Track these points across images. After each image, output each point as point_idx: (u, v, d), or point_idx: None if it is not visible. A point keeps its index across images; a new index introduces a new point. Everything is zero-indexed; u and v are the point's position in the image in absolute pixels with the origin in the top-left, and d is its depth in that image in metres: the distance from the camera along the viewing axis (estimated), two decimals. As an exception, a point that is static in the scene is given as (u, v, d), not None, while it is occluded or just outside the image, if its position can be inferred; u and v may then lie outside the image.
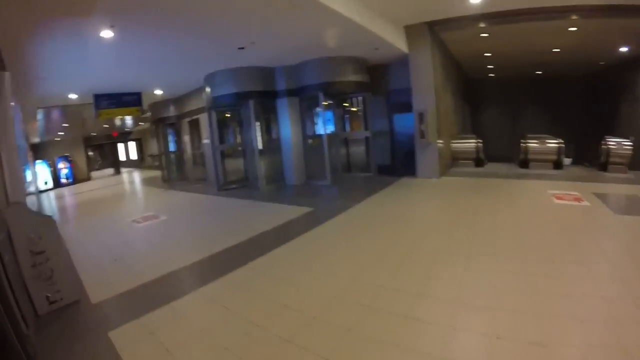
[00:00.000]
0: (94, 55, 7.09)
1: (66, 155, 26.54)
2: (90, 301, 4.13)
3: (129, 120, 22.34)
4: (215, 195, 10.56)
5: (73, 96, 10.69)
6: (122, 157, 39.91)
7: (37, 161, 24.72)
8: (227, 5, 5.53)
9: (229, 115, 12.27)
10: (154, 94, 12.70)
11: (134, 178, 23.73)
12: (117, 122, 21.66)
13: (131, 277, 4.74)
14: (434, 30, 9.56)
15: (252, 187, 11.04)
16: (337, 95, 11.13)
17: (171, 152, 15.69)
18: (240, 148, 12.02)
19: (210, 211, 8.74)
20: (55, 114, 13.93)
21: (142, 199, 12.68)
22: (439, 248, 4.70)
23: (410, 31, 9.59)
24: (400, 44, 9.31)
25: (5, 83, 4.80)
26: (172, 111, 14.46)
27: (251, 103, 10.25)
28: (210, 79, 10.63)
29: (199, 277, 4.63)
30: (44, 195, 22.99)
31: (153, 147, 28.33)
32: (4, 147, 4.47)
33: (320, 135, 10.72)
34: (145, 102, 13.55)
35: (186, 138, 14.05)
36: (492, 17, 8.68)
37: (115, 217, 9.67)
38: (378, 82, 11.27)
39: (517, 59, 13.23)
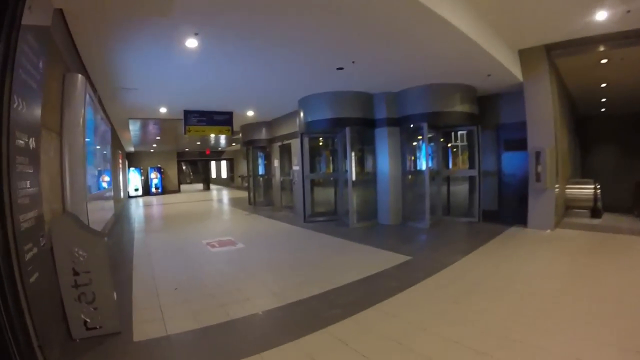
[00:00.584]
0: (180, 68, 6.89)
1: (158, 167, 28.09)
2: (133, 337, 3.60)
3: (222, 139, 23.03)
4: (301, 227, 10.00)
5: (163, 110, 10.91)
6: (213, 174, 41.64)
7: (131, 168, 26.50)
8: (332, 13, 4.83)
9: (321, 143, 11.81)
10: (246, 116, 12.66)
11: (221, 196, 24.19)
12: (211, 140, 22.29)
13: (190, 314, 4.17)
14: (550, 55, 8.30)
15: (340, 223, 10.34)
16: (443, 127, 10.16)
17: (260, 175, 15.62)
18: (331, 178, 11.44)
19: (292, 245, 8.10)
20: (149, 126, 14.42)
21: (223, 220, 12.61)
22: (577, 331, 3.26)
23: (526, 55, 8.42)
24: (515, 69, 8.17)
25: (78, 86, 4.52)
26: (263, 134, 14.36)
27: (347, 130, 9.64)
28: (304, 103, 10.25)
29: (265, 330, 3.76)
30: (132, 200, 24.36)
31: (243, 168, 29.07)
32: (70, 153, 4.29)
33: (421, 171, 9.81)
34: (237, 123, 13.58)
35: (276, 163, 13.82)
36: (618, 39, 7.27)
37: (191, 235, 9.56)
38: (487, 114, 10.16)
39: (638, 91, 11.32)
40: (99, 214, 6.32)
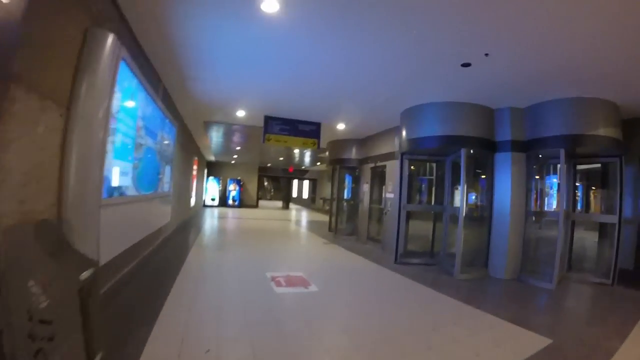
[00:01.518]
0: (254, 44, 5.36)
1: (238, 179, 27.60)
2: None
3: (306, 157, 21.83)
4: (390, 270, 8.15)
5: (241, 113, 9.76)
6: (294, 193, 40.85)
7: (210, 177, 26.17)
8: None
9: (420, 168, 9.99)
10: (336, 130, 11.17)
11: (299, 218, 22.88)
12: (295, 156, 21.12)
13: None
14: None
15: (440, 269, 8.38)
16: (580, 156, 8.01)
17: (345, 200, 13.87)
18: (432, 211, 9.49)
19: (382, 298, 6.24)
20: (228, 133, 13.38)
21: (297, 247, 11.08)
22: None
23: None
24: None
25: (107, 47, 3.08)
26: (353, 153, 12.79)
27: (463, 153, 7.73)
28: (409, 115, 8.57)
29: None
30: (206, 209, 23.74)
31: (327, 190, 27.75)
32: (82, 136, 3.16)
33: (551, 212, 7.64)
34: (325, 139, 12.12)
35: (365, 187, 12.11)
36: None
37: (256, 261, 8.25)
38: (632, 143, 7.77)
39: None
40: (132, 223, 4.97)
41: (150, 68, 6.25)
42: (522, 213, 7.89)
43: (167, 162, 7.74)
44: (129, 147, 4.77)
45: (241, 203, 27.87)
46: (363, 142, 12.50)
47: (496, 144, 8.10)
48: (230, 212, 23.30)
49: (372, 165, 11.60)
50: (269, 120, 9.58)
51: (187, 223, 13.65)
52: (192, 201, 15.91)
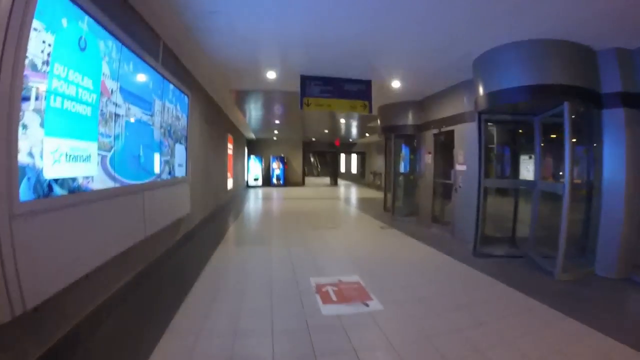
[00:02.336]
0: None
1: (281, 156, 26.11)
2: None
3: (353, 128, 19.98)
4: (470, 266, 6.32)
5: (271, 74, 7.95)
6: (342, 168, 39.14)
7: (251, 156, 24.87)
8: None
9: (499, 132, 7.98)
10: (389, 89, 9.17)
11: (349, 195, 21.16)
12: (341, 128, 19.29)
13: None
14: None
15: (530, 263, 6.46)
16: None
17: (401, 173, 11.95)
18: (518, 187, 7.54)
19: (470, 312, 4.40)
20: (262, 103, 11.77)
21: (348, 235, 9.20)
22: None
23: None
24: None
25: None
26: (410, 118, 10.82)
27: (567, 108, 5.69)
28: (484, 63, 6.53)
29: None
30: (248, 191, 22.48)
31: (377, 163, 25.88)
32: None
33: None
34: (375, 104, 10.28)
35: (428, 158, 10.10)
36: None
37: (297, 258, 6.61)
38: None
39: None
40: (105, 228, 3.45)
41: (132, 15, 4.62)
42: (640, 190, 5.84)
43: (178, 139, 6.17)
44: (89, 117, 3.17)
45: (286, 181, 26.49)
46: (422, 104, 10.50)
47: (602, 97, 6.02)
48: (274, 192, 21.91)
49: (436, 131, 9.61)
50: (306, 80, 7.77)
51: (222, 210, 12.22)
52: (229, 184, 14.52)
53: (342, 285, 5.07)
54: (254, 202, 16.04)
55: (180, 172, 6.30)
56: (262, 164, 25.71)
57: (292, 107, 12.25)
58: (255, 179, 25.51)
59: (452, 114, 8.78)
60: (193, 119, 7.66)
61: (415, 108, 10.71)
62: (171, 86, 5.71)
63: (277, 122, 16.35)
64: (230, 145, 14.56)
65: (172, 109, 5.83)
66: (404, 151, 11.88)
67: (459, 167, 8.41)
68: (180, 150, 6.27)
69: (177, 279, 5.38)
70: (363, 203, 16.58)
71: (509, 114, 7.09)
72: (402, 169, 11.97)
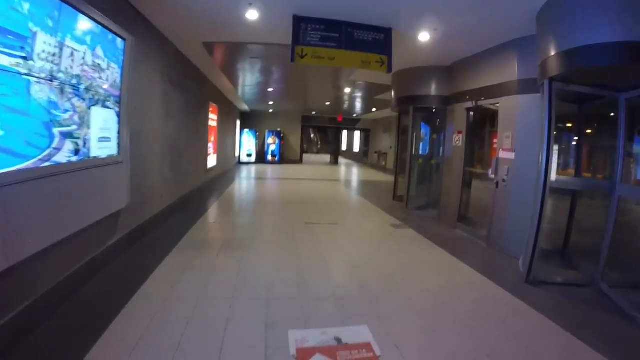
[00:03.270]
0: None
1: (278, 130, 23.99)
2: None
3: (358, 103, 17.86)
4: (523, 301, 4.28)
5: (252, 15, 5.66)
6: (344, 146, 37.03)
7: (245, 130, 22.88)
8: None
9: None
10: (414, 44, 6.93)
11: (351, 177, 19.06)
12: (344, 101, 17.08)
13: None
14: None
15: (602, 297, 4.39)
16: None
17: (420, 156, 9.82)
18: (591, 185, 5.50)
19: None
20: (248, 62, 9.66)
21: (352, 239, 7.03)
22: None
23: None
24: None
25: None
26: (434, 89, 8.68)
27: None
28: (559, 10, 4.41)
29: None
30: (238, 169, 20.46)
31: (382, 143, 23.71)
32: None
33: None
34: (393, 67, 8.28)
35: (457, 139, 7.97)
36: None
37: (276, 292, 4.25)
38: None
39: None
40: None
41: None
42: None
43: (100, 101, 4.06)
44: None
45: (282, 158, 24.34)
46: (451, 71, 8.31)
47: None
48: (268, 170, 19.83)
49: (470, 104, 7.44)
50: (301, 23, 5.53)
51: (195, 196, 10.03)
52: (211, 161, 12.40)
53: (341, 352, 3.04)
54: (240, 184, 13.91)
55: (105, 149, 4.21)
56: (256, 139, 23.53)
57: (287, 69, 10.14)
58: (249, 155, 23.35)
59: (497, 82, 6.63)
60: (140, 75, 5.54)
61: (441, 75, 8.52)
62: (80, 16, 3.59)
63: (270, 90, 14.05)
64: (213, 117, 12.40)
65: (84, 53, 3.71)
66: (424, 130, 9.74)
67: (505, 155, 6.31)
68: (104, 117, 4.16)
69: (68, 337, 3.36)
70: (368, 188, 14.49)
71: (590, 83, 4.97)
72: (421, 151, 9.86)
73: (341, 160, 31.07)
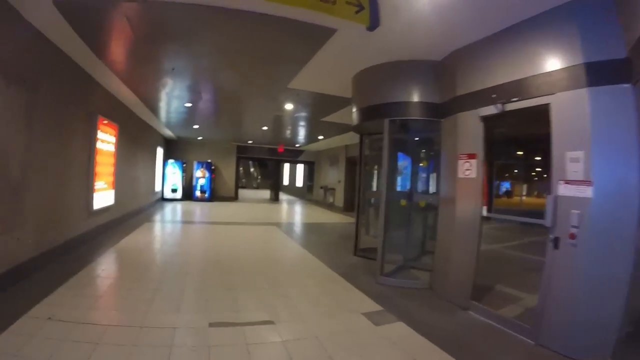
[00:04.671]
0: None
1: (208, 162, 20.77)
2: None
3: (300, 134, 15.21)
4: None
5: None
6: (285, 181, 34.28)
7: (169, 161, 19.74)
8: None
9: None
10: (396, 19, 4.31)
11: (295, 218, 16.02)
12: (285, 126, 14.33)
13: None
14: None
15: None
16: None
17: (396, 193, 6.92)
18: None
19: None
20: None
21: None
22: None
23: None
24: None
25: None
26: (418, 94, 5.96)
27: None
28: None
29: None
30: (163, 205, 17.13)
31: (329, 177, 21.06)
32: None
33: None
34: (351, 66, 5.60)
35: (466, 168, 5.18)
36: None
37: None
38: None
39: None
40: None
41: None
42: None
43: None
44: None
45: (213, 195, 20.87)
46: (443, 68, 5.64)
47: None
48: (194, 209, 16.42)
49: (492, 110, 4.63)
50: None
51: (46, 259, 6.29)
52: (102, 200, 8.84)
53: None
54: (143, 232, 10.10)
55: None
56: (183, 171, 20.11)
57: (211, 78, 7.27)
58: (173, 191, 19.75)
59: (541, 71, 4.02)
60: None
61: (430, 74, 5.84)
62: None
63: (188, 105, 10.69)
64: (108, 138, 9.01)
65: None
66: (402, 159, 6.97)
67: (571, 191, 3.67)
68: None
69: None
70: (316, 234, 11.45)
71: None
72: (398, 187, 7.03)
73: (283, 196, 28.03)
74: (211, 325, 4.15)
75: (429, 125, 6.23)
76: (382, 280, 6.16)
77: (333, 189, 20.38)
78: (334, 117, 10.83)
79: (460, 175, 5.15)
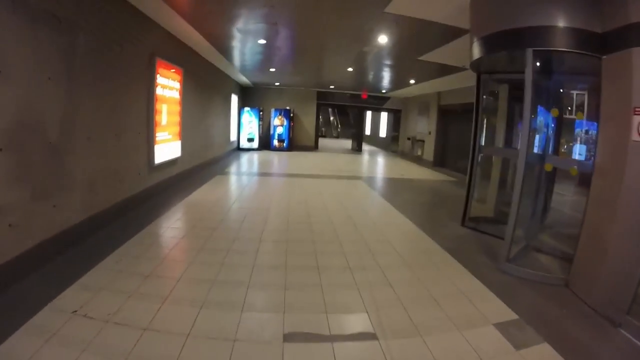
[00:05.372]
0: None
1: (287, 109, 19.66)
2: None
3: (387, 76, 13.69)
4: None
5: None
6: (367, 130, 32.61)
7: (246, 109, 18.89)
8: None
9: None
10: None
11: (382, 172, 14.57)
12: (371, 67, 12.61)
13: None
14: None
15: None
16: None
17: (534, 155, 5.21)
18: None
19: None
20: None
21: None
22: None
23: None
24: None
25: None
26: (570, 17, 4.20)
27: None
28: None
29: None
30: (239, 155, 16.49)
31: (418, 127, 19.23)
32: None
33: None
34: None
35: None
36: None
37: None
38: None
39: None
40: None
41: None
42: None
43: None
44: None
45: (292, 144, 20.10)
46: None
47: None
48: (270, 160, 15.64)
49: None
50: None
51: (97, 224, 5.49)
52: (167, 152, 8.02)
53: None
54: (210, 187, 9.22)
55: None
56: (259, 120, 19.22)
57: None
58: (250, 140, 19.10)
59: None
60: None
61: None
62: None
63: (262, 42, 9.48)
64: (170, 83, 7.86)
65: None
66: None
67: None
68: None
69: None
70: (409, 193, 10.10)
71: None
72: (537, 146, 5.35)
73: (365, 146, 26.56)
74: (286, 339, 3.01)
75: (578, 63, 4.51)
76: (505, 267, 4.71)
77: (422, 141, 18.60)
78: (435, 56, 9.07)
79: (636, 137, 3.45)
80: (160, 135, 7.48)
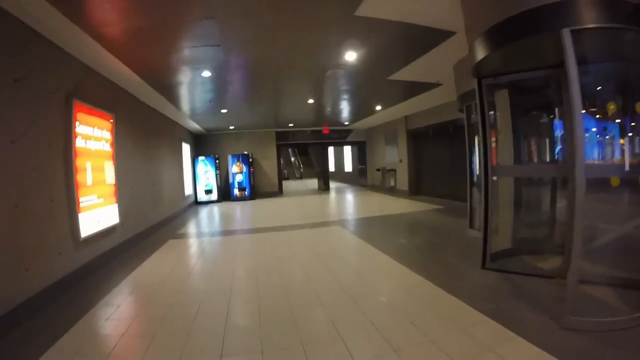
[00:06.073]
0: None
1: (245, 154, 18.47)
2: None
3: (351, 108, 12.59)
4: None
5: None
6: (331, 166, 31.69)
7: (200, 158, 17.64)
8: None
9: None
10: None
11: (359, 211, 13.22)
12: (334, 105, 11.63)
13: None
14: None
15: None
16: None
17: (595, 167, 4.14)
18: None
19: None
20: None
21: None
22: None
23: None
24: None
25: None
26: None
27: None
28: None
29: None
30: (197, 210, 15.04)
31: (387, 157, 18.45)
32: None
33: None
34: None
35: None
36: None
37: None
38: None
39: None
40: None
41: None
42: None
43: None
44: None
45: (253, 192, 18.84)
46: None
47: None
48: (232, 212, 14.20)
49: None
50: None
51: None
52: (97, 222, 6.41)
53: None
54: (158, 258, 7.51)
55: None
56: (216, 169, 17.90)
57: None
58: (208, 191, 17.75)
59: None
60: None
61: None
62: None
63: (206, 75, 8.33)
64: (92, 132, 6.39)
65: None
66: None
67: None
68: None
69: None
70: (403, 234, 8.93)
71: None
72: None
73: (331, 184, 25.42)
74: None
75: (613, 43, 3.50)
76: (573, 323, 3.43)
77: (393, 170, 17.74)
78: (407, 73, 8.11)
79: None
80: (85, 200, 5.99)
